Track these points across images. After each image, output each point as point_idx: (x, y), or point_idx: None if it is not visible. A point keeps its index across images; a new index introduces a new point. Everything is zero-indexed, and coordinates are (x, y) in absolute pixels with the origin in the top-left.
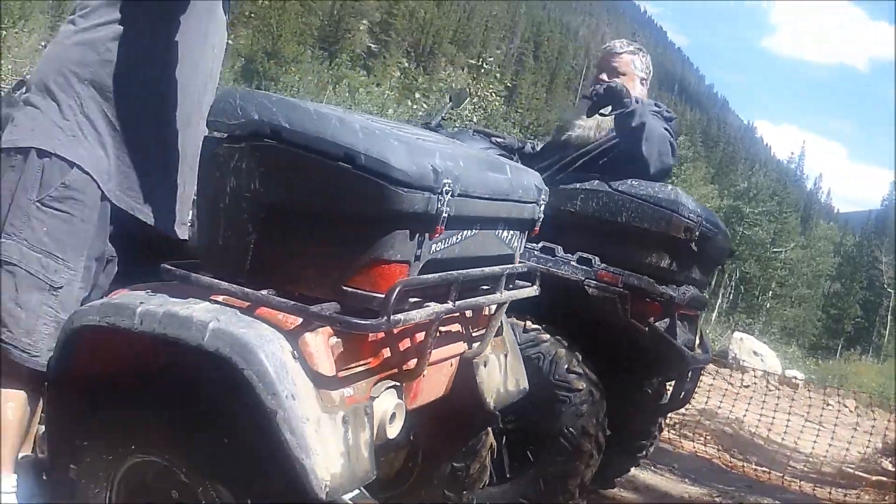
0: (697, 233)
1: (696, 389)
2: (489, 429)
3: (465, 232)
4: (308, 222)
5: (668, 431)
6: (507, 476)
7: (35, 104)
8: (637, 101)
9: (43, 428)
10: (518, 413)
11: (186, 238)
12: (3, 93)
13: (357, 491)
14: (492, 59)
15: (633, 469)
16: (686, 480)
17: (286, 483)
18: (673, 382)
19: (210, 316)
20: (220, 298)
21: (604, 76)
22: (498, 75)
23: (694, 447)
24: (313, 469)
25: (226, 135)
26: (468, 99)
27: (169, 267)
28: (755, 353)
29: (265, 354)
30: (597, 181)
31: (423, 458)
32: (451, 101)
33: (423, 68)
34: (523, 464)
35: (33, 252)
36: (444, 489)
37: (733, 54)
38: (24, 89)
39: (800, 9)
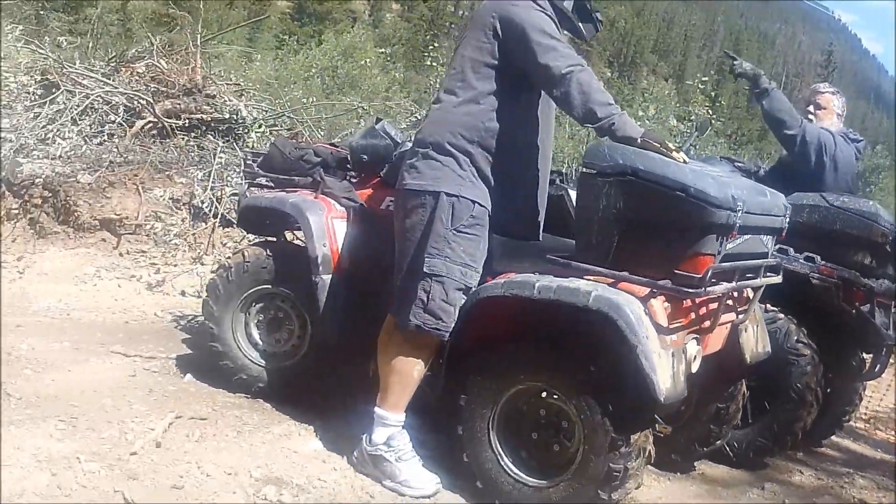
0: (891, 237)
1: (887, 390)
2: (744, 379)
3: (745, 237)
4: (654, 229)
5: (863, 423)
6: (749, 422)
7: (436, 158)
8: (771, 88)
9: None
10: (758, 374)
11: (540, 240)
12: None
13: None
14: (706, 79)
15: (835, 438)
16: (879, 450)
17: (636, 393)
18: (870, 357)
19: (591, 287)
20: (591, 277)
21: (810, 108)
22: (713, 94)
23: (886, 436)
24: (657, 383)
25: (598, 172)
26: (709, 129)
27: (553, 257)
28: None
29: (630, 310)
30: (818, 197)
31: (698, 400)
32: (696, 130)
33: (626, 78)
34: (762, 412)
35: (455, 265)
36: (709, 424)
37: None
38: (378, 124)
39: None
